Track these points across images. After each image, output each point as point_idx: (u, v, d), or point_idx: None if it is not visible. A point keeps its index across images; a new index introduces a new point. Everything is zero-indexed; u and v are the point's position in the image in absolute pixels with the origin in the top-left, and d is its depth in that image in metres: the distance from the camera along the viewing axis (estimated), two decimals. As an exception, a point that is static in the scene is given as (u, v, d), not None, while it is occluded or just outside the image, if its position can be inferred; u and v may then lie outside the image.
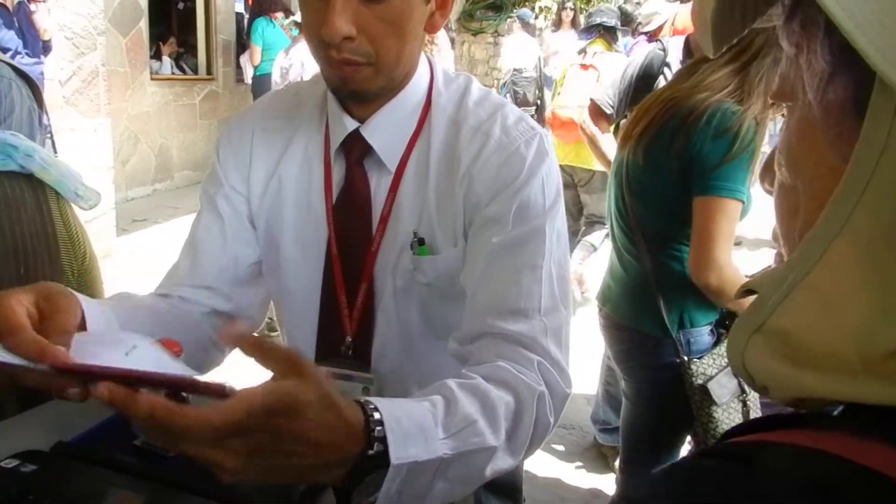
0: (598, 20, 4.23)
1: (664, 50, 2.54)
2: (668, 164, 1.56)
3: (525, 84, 7.44)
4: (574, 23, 7.41)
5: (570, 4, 7.50)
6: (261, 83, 6.09)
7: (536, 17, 10.52)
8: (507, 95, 7.56)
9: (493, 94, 1.00)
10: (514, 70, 7.40)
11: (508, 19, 8.08)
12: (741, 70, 1.56)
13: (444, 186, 0.94)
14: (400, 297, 0.98)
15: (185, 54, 7.33)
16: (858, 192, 0.31)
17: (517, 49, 7.52)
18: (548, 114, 4.25)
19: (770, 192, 0.40)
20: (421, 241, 0.95)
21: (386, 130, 0.95)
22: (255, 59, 6.06)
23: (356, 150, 0.97)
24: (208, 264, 1.01)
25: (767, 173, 0.40)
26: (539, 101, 7.19)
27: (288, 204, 1.01)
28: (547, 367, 0.83)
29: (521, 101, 7.47)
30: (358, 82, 0.87)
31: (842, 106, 0.33)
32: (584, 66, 4.00)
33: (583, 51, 4.13)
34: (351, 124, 0.95)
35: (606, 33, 4.21)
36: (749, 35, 1.68)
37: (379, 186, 0.97)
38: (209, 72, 7.05)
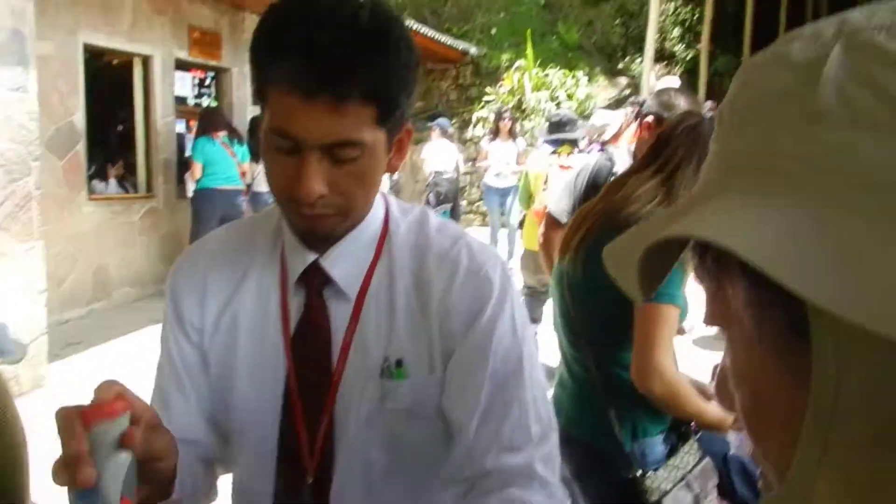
0: (565, 136, 4.72)
1: (611, 160, 2.66)
2: (604, 274, 1.58)
3: (446, 184, 7.93)
4: (511, 132, 7.75)
5: (507, 115, 7.86)
6: (202, 197, 6.42)
7: (474, 126, 11.00)
8: (431, 195, 7.92)
9: (450, 223, 1.04)
10: (436, 172, 7.87)
11: (427, 128, 8.49)
12: (667, 180, 1.64)
13: (417, 313, 0.94)
14: (364, 430, 0.95)
15: (125, 173, 7.36)
16: (825, 425, 0.30)
17: (438, 153, 7.97)
18: (537, 206, 4.55)
19: (731, 411, 0.39)
20: (399, 363, 0.94)
21: (345, 261, 0.96)
22: (196, 174, 6.37)
23: (315, 281, 0.96)
24: (178, 418, 0.97)
25: (725, 397, 0.39)
26: (455, 200, 8.12)
27: (242, 339, 0.98)
28: (547, 493, 0.89)
29: (442, 199, 7.89)
30: (326, 229, 0.90)
31: (779, 331, 0.33)
32: (564, 167, 4.44)
33: (555, 153, 4.65)
34: (310, 256, 0.95)
35: (569, 142, 4.74)
36: (671, 146, 1.78)
37: (339, 315, 0.96)
38: (149, 189, 7.05)
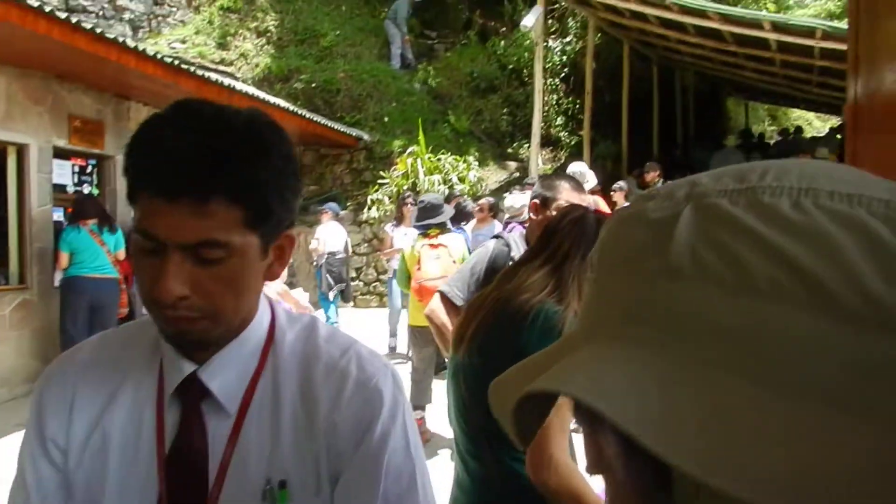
0: (432, 221, 5.15)
1: (507, 245, 2.72)
2: (501, 363, 1.58)
3: (338, 264, 7.93)
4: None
5: (409, 200, 7.72)
6: (68, 286, 6.33)
7: (369, 208, 11.07)
8: (327, 275, 7.85)
9: (340, 331, 1.00)
10: (329, 253, 7.86)
11: (318, 211, 8.57)
12: (556, 271, 1.68)
13: (302, 429, 0.89)
14: None
15: (-6, 264, 6.87)
16: None
17: (329, 235, 7.99)
18: (414, 285, 4.88)
19: None
20: (282, 484, 0.87)
21: (226, 372, 0.90)
22: (62, 263, 6.28)
23: (193, 395, 0.90)
24: None
25: None
26: (347, 280, 8.27)
27: (112, 460, 0.90)
28: None
29: (336, 279, 7.85)
30: (196, 333, 0.84)
31: (646, 484, 0.33)
32: (434, 246, 4.94)
33: (425, 234, 5.10)
34: (188, 367, 0.89)
35: (437, 224, 5.16)
36: (557, 238, 1.84)
37: (217, 432, 0.89)
38: (22, 280, 6.58)
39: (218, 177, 0.79)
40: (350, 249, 8.76)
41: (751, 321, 0.30)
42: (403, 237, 7.19)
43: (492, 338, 1.63)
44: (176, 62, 6.89)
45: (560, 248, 1.72)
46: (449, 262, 4.80)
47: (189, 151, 0.78)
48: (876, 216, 0.32)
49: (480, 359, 1.65)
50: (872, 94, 1.10)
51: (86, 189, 7.38)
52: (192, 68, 7.85)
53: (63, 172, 6.99)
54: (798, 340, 0.30)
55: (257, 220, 0.83)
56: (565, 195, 2.44)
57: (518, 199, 5.56)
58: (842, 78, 8.90)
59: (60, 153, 6.87)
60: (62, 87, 6.77)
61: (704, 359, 0.30)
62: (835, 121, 17.82)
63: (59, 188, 6.97)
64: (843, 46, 6.72)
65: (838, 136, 14.28)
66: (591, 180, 7.03)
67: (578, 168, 7.08)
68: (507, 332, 1.59)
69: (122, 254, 6.50)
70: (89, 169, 7.43)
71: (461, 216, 6.71)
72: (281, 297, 4.85)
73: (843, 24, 11.58)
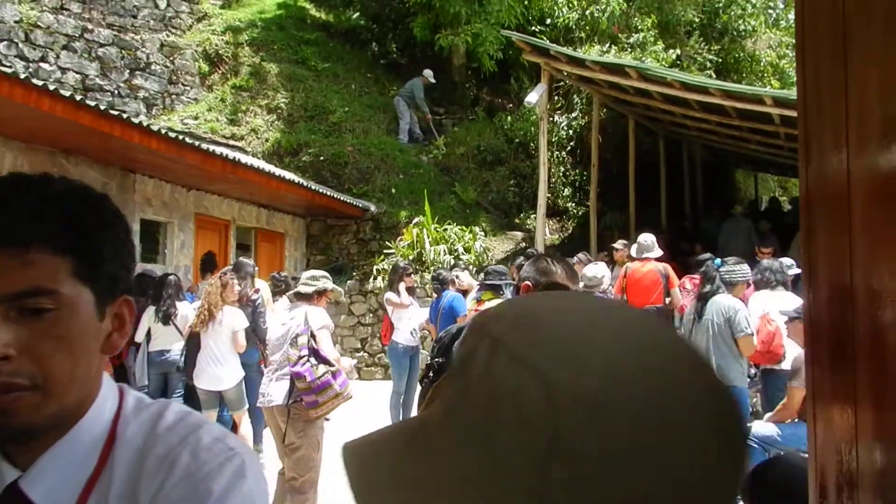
0: (492, 282, 5.51)
1: None
2: None
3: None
4: (412, 290, 7.57)
5: (410, 271, 7.63)
6: None
7: (375, 278, 11.03)
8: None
9: (193, 414, 0.87)
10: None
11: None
12: None
13: None
14: None
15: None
16: None
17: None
18: None
19: None
20: None
21: (54, 478, 0.77)
22: None
23: None
24: None
25: None
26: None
27: None
28: None
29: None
30: (23, 413, 0.73)
31: None
32: (478, 310, 5.43)
33: (479, 300, 5.46)
34: (9, 474, 0.77)
35: (492, 288, 5.37)
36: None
37: None
38: None
39: (40, 223, 0.76)
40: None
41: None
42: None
43: None
44: (180, 137, 7.01)
45: None
46: None
47: (11, 202, 0.77)
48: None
49: None
50: (820, 181, 1.03)
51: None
52: (200, 143, 7.99)
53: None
54: None
55: (89, 271, 0.78)
56: (559, 281, 2.36)
57: (600, 269, 5.88)
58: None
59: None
60: (68, 160, 6.89)
61: None
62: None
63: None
64: None
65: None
66: (656, 250, 7.21)
67: (645, 238, 7.34)
68: None
69: None
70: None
71: (442, 285, 6.82)
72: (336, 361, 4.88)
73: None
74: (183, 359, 6.10)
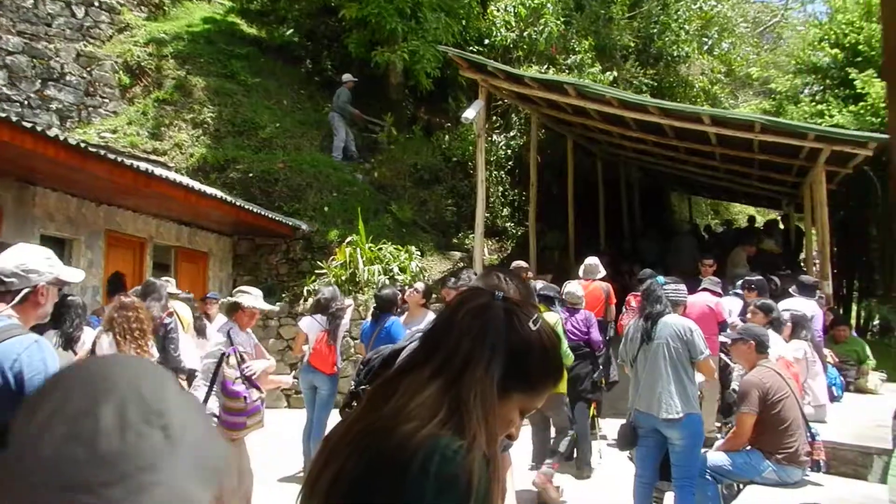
0: (545, 294, 6.23)
1: None
2: None
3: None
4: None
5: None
6: None
7: (305, 300, 10.44)
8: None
9: None
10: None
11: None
12: (451, 386, 1.16)
13: None
14: None
15: None
16: None
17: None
18: None
19: None
20: None
21: None
22: None
23: None
24: None
25: None
26: None
27: None
28: None
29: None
30: None
31: None
32: None
33: None
34: None
35: (545, 301, 6.11)
36: (452, 336, 1.21)
37: None
38: None
39: None
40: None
41: None
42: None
43: (358, 493, 1.08)
44: (82, 145, 6.37)
45: (457, 350, 1.20)
46: None
47: None
48: None
49: None
50: None
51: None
52: (117, 157, 7.33)
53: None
54: None
55: None
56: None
57: (579, 289, 6.71)
58: (781, 171, 8.83)
59: (-56, 241, 6.17)
60: (-49, 170, 6.17)
61: None
62: (774, 214, 18.15)
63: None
64: (782, 140, 6.56)
65: (781, 227, 14.44)
66: (601, 272, 7.96)
67: (591, 261, 8.07)
68: (383, 485, 1.05)
69: None
70: (-18, 259, 6.69)
71: (386, 305, 6.18)
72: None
73: (780, 119, 11.85)
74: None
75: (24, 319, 2.37)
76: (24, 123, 5.60)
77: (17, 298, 2.35)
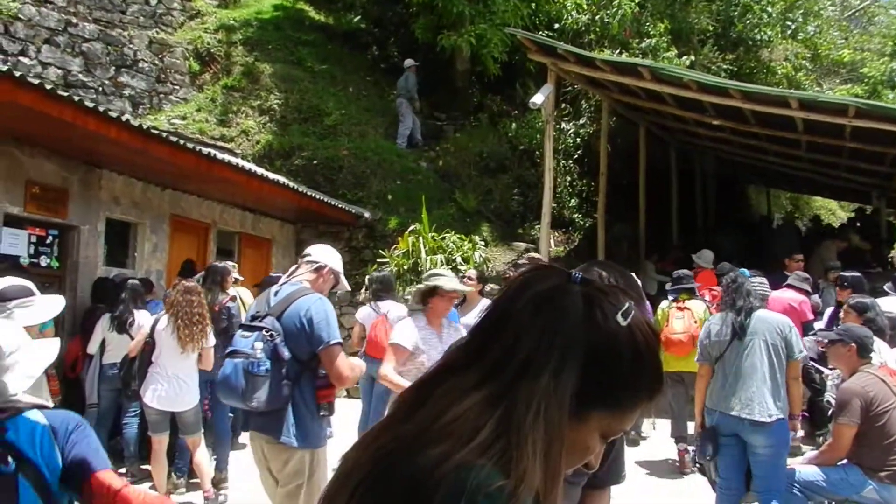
0: (685, 285, 6.61)
1: None
2: None
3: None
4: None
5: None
6: None
7: (366, 289, 10.32)
8: None
9: None
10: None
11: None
12: (502, 397, 0.87)
13: None
14: None
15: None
16: None
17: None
18: (662, 338, 5.63)
19: None
20: None
21: None
22: None
23: None
24: None
25: None
26: None
27: None
28: None
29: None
30: None
31: None
32: (681, 308, 6.42)
33: (676, 298, 6.52)
34: None
35: (688, 291, 6.58)
36: (509, 331, 0.80)
37: None
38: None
39: None
40: None
41: None
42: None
43: None
44: (145, 127, 6.33)
45: (513, 350, 0.90)
46: (691, 321, 6.22)
47: None
48: None
49: None
50: None
51: (43, 261, 6.71)
52: (185, 142, 7.32)
53: (15, 242, 6.33)
54: None
55: None
56: None
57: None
58: (873, 161, 8.06)
59: (12, 221, 6.24)
60: (22, 151, 6.22)
61: None
62: (849, 210, 17.11)
63: (11, 259, 6.28)
64: (877, 125, 5.90)
65: (857, 224, 13.56)
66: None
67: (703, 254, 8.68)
68: None
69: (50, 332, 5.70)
70: (49, 239, 6.78)
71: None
72: None
73: (879, 103, 10.98)
74: (123, 373, 5.40)
75: None
76: (87, 104, 5.58)
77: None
